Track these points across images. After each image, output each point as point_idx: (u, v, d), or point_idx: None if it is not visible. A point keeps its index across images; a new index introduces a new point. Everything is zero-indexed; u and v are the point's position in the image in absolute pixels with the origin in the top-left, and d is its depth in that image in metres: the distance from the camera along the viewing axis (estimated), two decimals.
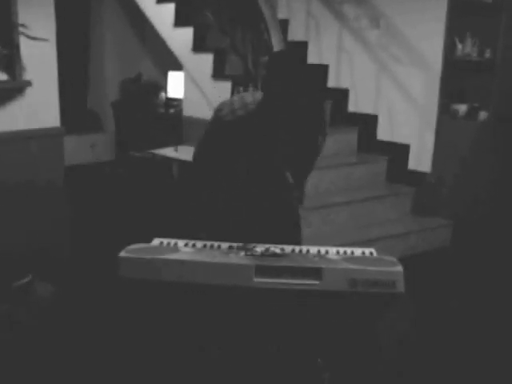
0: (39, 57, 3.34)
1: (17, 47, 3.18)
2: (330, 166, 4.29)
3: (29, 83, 3.28)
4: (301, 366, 2.23)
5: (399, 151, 4.62)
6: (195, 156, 2.44)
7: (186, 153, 5.12)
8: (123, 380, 2.47)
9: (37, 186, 3.44)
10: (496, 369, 2.70)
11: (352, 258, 2.05)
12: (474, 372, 2.67)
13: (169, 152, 5.18)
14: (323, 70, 5.06)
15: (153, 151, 5.27)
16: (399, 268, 1.93)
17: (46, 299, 3.03)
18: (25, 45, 3.22)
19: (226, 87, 4.54)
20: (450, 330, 3.07)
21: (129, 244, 2.12)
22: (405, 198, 4.45)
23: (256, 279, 1.91)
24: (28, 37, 3.20)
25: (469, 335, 3.02)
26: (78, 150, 6.24)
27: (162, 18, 5.00)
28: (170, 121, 5.85)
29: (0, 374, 2.49)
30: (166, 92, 6.26)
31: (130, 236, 2.31)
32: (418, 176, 4.53)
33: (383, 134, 4.76)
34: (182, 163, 4.96)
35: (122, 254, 2.02)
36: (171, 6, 4.90)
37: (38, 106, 3.41)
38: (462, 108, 4.36)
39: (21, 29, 3.17)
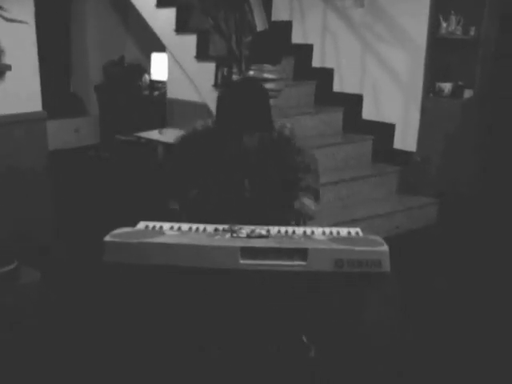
0: (18, 40, 3.28)
1: None
2: (315, 146, 4.27)
3: (8, 67, 3.23)
4: (288, 345, 2.25)
5: (385, 130, 4.63)
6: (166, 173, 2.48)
7: (170, 135, 5.09)
8: (112, 367, 2.47)
9: (20, 171, 3.40)
10: (483, 348, 2.73)
11: (338, 239, 2.06)
12: (461, 352, 2.69)
13: (154, 135, 5.14)
14: (308, 49, 5.04)
15: (137, 134, 5.23)
16: (385, 247, 1.94)
17: (32, 285, 3.01)
18: (3, 28, 3.16)
19: (210, 68, 4.51)
20: (437, 309, 3.10)
21: (114, 228, 2.11)
22: (391, 177, 4.46)
23: (242, 261, 1.91)
24: (6, 19, 3.13)
25: (456, 314, 3.05)
26: (62, 134, 6.18)
27: None
28: (155, 103, 5.81)
29: None
30: (149, 74, 6.21)
31: (115, 220, 2.29)
32: (403, 155, 4.54)
33: (368, 113, 4.75)
34: (166, 145, 4.92)
35: (107, 238, 2.02)
36: None
37: (19, 90, 3.36)
38: (447, 86, 4.36)
39: None
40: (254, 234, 2.06)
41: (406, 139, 4.57)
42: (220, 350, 2.23)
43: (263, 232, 2.11)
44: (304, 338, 2.40)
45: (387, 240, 1.93)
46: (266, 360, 2.26)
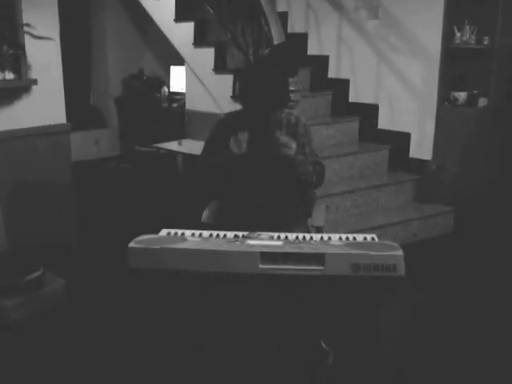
0: (44, 56, 3.40)
1: (22, 47, 3.24)
2: (332, 155, 4.35)
3: (35, 82, 3.34)
4: (305, 351, 2.30)
5: (400, 140, 4.67)
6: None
7: (189, 146, 5.19)
8: (134, 371, 2.53)
9: (45, 181, 3.51)
10: (496, 357, 2.74)
11: (354, 244, 2.12)
12: (474, 360, 2.71)
13: (173, 146, 5.24)
14: (324, 60, 5.12)
15: (157, 145, 5.34)
16: (400, 252, 2.00)
17: (57, 292, 3.10)
18: (30, 44, 3.28)
19: (227, 80, 4.60)
20: (452, 318, 3.12)
21: (137, 236, 2.19)
22: (407, 185, 4.50)
23: (262, 266, 1.98)
24: (33, 36, 3.26)
25: (470, 323, 3.06)
26: (83, 146, 6.31)
27: (162, 13, 5.04)
28: (173, 115, 5.92)
29: (11, 367, 2.56)
30: (168, 87, 6.33)
31: (137, 228, 2.37)
32: (419, 164, 4.58)
33: (384, 123, 4.81)
34: (186, 156, 5.01)
35: (132, 244, 2.10)
36: (172, 1, 4.95)
37: (45, 104, 3.47)
38: (462, 95, 4.40)
39: (26, 28, 3.23)
40: (272, 240, 2.13)
41: (421, 148, 4.61)
42: (239, 353, 2.29)
43: (282, 237, 2.18)
44: (323, 344, 2.46)
45: (404, 247, 1.98)
46: (284, 364, 2.32)
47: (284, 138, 2.42)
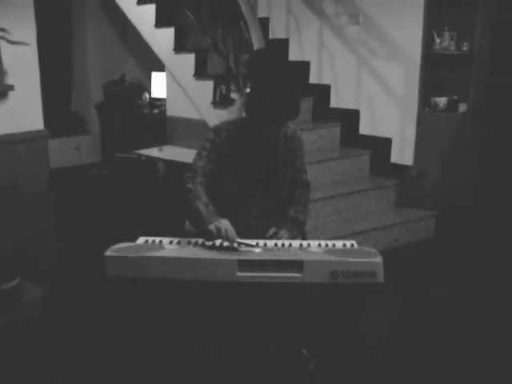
0: (21, 61, 3.35)
1: None
2: (313, 161, 4.34)
3: (11, 87, 3.29)
4: (286, 357, 2.28)
5: (381, 145, 4.69)
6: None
7: (170, 152, 5.16)
8: (116, 381, 2.50)
9: (22, 189, 3.45)
10: (482, 359, 2.75)
11: (333, 251, 2.11)
12: (460, 363, 2.72)
13: (154, 152, 5.22)
14: (305, 66, 5.12)
15: (138, 152, 5.31)
16: (379, 258, 1.99)
17: (35, 301, 3.04)
18: (5, 49, 3.23)
19: (208, 86, 4.58)
20: (435, 322, 3.12)
21: (115, 243, 2.16)
22: (388, 190, 4.51)
23: (239, 273, 1.96)
24: (8, 41, 3.21)
25: (454, 326, 3.08)
26: (64, 152, 6.25)
27: (143, 19, 5.02)
28: (154, 121, 5.89)
29: None
30: (149, 92, 6.30)
31: (116, 236, 2.34)
32: (400, 169, 4.60)
33: (365, 128, 4.82)
34: (166, 163, 4.99)
35: (108, 253, 2.07)
36: (152, 7, 4.93)
37: (21, 110, 3.42)
38: (442, 101, 4.43)
39: (1, 33, 3.18)
40: (250, 247, 2.11)
41: (402, 153, 4.63)
42: (218, 360, 2.26)
43: (260, 245, 2.16)
44: (304, 351, 2.44)
45: (386, 253, 1.97)
46: (263, 372, 2.29)
47: (284, 236, 2.36)
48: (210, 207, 2.22)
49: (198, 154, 2.42)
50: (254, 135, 2.39)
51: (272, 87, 2.26)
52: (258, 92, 2.30)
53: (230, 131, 2.43)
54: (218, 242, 2.13)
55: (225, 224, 2.12)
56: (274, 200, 2.48)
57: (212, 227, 2.11)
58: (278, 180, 2.47)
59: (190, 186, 2.30)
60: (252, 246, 2.11)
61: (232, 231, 2.11)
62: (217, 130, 2.45)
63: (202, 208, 2.21)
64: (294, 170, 2.50)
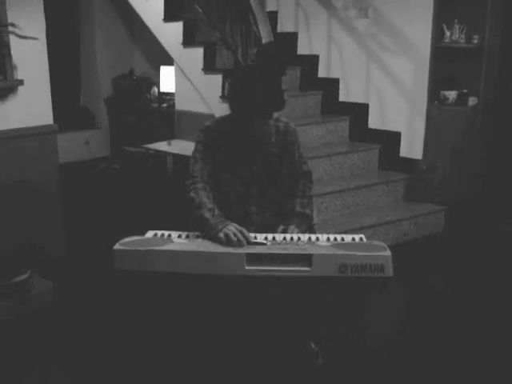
0: (30, 56, 3.36)
1: (7, 47, 3.20)
2: (322, 155, 4.34)
3: (21, 82, 3.31)
4: (294, 352, 2.29)
5: (390, 139, 4.67)
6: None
7: (179, 146, 5.17)
8: (124, 373, 2.51)
9: (32, 183, 3.47)
10: (489, 354, 2.74)
11: (341, 244, 2.11)
12: (467, 358, 2.71)
13: (162, 146, 5.22)
14: (313, 59, 5.10)
15: (147, 146, 5.31)
16: (387, 252, 1.99)
17: (44, 295, 3.06)
18: (15, 44, 3.25)
19: (217, 80, 4.57)
20: (444, 317, 3.12)
21: (124, 237, 2.17)
22: (397, 185, 4.49)
23: (248, 267, 1.96)
24: (18, 36, 3.22)
25: (462, 321, 3.07)
26: (73, 147, 6.28)
27: (151, 13, 5.01)
28: (163, 115, 5.89)
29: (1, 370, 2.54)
30: (158, 87, 6.30)
31: (125, 230, 2.35)
32: (409, 163, 4.58)
33: (374, 122, 4.80)
34: (175, 157, 4.99)
35: (117, 246, 2.08)
36: (160, 1, 4.92)
37: (31, 105, 3.44)
38: (452, 94, 4.40)
39: (11, 28, 3.19)
40: (259, 241, 2.11)
41: (411, 147, 4.60)
42: (227, 354, 2.27)
43: (269, 238, 2.16)
44: (312, 345, 2.44)
45: (394, 247, 1.97)
46: (271, 365, 2.30)
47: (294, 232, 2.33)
48: (216, 212, 2.21)
49: (193, 158, 2.41)
50: (243, 131, 2.36)
51: (252, 78, 2.26)
52: (237, 84, 2.29)
53: (221, 129, 2.40)
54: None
55: (233, 229, 2.11)
56: (272, 195, 2.46)
57: (221, 235, 2.10)
58: (274, 176, 2.45)
59: (192, 194, 2.28)
60: (263, 243, 2.10)
61: (242, 231, 2.11)
62: (206, 130, 2.43)
63: (207, 215, 2.20)
64: (293, 164, 2.48)
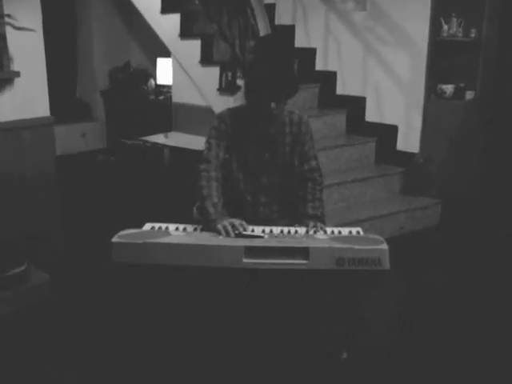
0: (26, 47, 3.34)
1: (3, 38, 3.18)
2: (319, 148, 4.29)
3: (17, 74, 3.29)
4: (293, 345, 2.29)
5: (387, 132, 4.67)
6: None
7: (176, 139, 5.17)
8: (121, 367, 2.52)
9: (28, 175, 3.46)
10: (485, 348, 2.76)
11: (339, 238, 2.12)
12: (464, 351, 2.73)
13: (159, 138, 5.22)
14: (311, 52, 5.10)
15: (143, 138, 5.31)
16: (384, 246, 2.00)
17: (41, 287, 3.07)
18: (11, 35, 3.23)
19: (214, 72, 4.56)
20: (440, 310, 3.13)
21: (121, 230, 2.17)
22: (394, 178, 4.50)
23: (245, 260, 1.97)
24: (14, 27, 3.21)
25: (457, 314, 3.08)
26: (69, 139, 6.26)
27: (148, 5, 5.00)
28: (160, 107, 5.88)
29: None
30: (155, 79, 6.28)
31: (122, 222, 2.35)
32: (406, 156, 4.58)
33: (371, 115, 4.80)
34: (172, 149, 4.99)
35: (115, 239, 2.08)
36: None
37: (27, 96, 3.42)
38: (449, 88, 4.40)
39: (7, 19, 3.17)
40: (257, 234, 2.12)
41: (408, 141, 4.61)
42: (224, 346, 2.28)
43: (266, 231, 2.17)
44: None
45: (391, 240, 1.97)
46: (270, 358, 2.31)
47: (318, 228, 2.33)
48: (219, 209, 2.26)
49: (208, 143, 2.43)
50: (257, 119, 2.40)
51: (268, 63, 2.27)
52: (256, 69, 2.31)
53: (235, 117, 2.44)
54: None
55: (226, 223, 2.17)
56: (282, 185, 2.48)
57: (220, 227, 2.15)
58: (285, 165, 2.47)
59: (203, 183, 2.33)
60: (260, 236, 2.11)
61: (234, 224, 2.16)
62: (221, 116, 2.48)
63: (210, 210, 2.25)
64: (303, 155, 2.50)
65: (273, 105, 2.29)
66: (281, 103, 2.33)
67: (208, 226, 2.22)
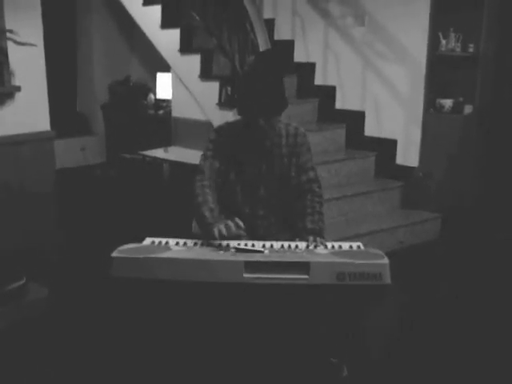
0: (28, 62, 3.36)
1: (5, 53, 3.20)
2: (318, 162, 4.31)
3: (18, 88, 3.30)
4: (292, 359, 2.28)
5: (387, 146, 4.68)
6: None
7: (175, 153, 5.17)
8: (119, 380, 2.50)
9: (28, 189, 3.46)
10: (485, 358, 2.75)
11: (339, 252, 2.11)
12: (466, 364, 2.71)
13: (159, 153, 5.23)
14: (310, 67, 5.12)
15: (143, 152, 5.31)
16: (385, 260, 1.99)
17: (40, 301, 3.05)
18: (13, 50, 3.25)
19: (213, 87, 4.58)
20: (441, 323, 3.12)
21: (121, 244, 2.16)
22: (393, 192, 4.50)
23: (246, 275, 1.96)
24: (16, 42, 3.23)
25: (458, 328, 3.07)
26: (69, 153, 6.27)
27: (148, 20, 5.02)
28: (160, 122, 5.89)
29: None
30: (154, 93, 6.30)
31: (122, 237, 2.34)
32: (405, 170, 4.59)
33: (371, 129, 4.82)
34: (172, 164, 4.99)
35: (115, 253, 2.07)
36: (158, 8, 4.93)
37: (28, 111, 3.43)
38: (448, 102, 4.42)
39: (8, 34, 3.19)
40: (257, 249, 2.11)
41: (407, 155, 4.62)
42: (224, 362, 2.26)
43: (266, 246, 2.16)
44: (333, 359, 2.41)
45: (391, 255, 1.96)
46: (270, 373, 2.29)
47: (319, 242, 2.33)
48: (215, 213, 2.26)
49: (204, 155, 2.47)
50: (252, 133, 2.40)
51: (252, 79, 2.32)
52: (241, 85, 2.38)
53: (232, 130, 2.47)
54: (225, 242, 2.14)
55: (226, 223, 2.17)
56: (279, 198, 2.48)
57: (215, 230, 2.16)
58: (282, 177, 2.47)
59: (198, 191, 2.35)
60: (260, 251, 2.10)
61: (228, 225, 2.17)
62: (218, 129, 2.52)
63: (207, 214, 2.26)
64: (300, 166, 2.50)
65: (261, 121, 2.31)
66: (270, 118, 2.34)
67: (205, 230, 2.22)
